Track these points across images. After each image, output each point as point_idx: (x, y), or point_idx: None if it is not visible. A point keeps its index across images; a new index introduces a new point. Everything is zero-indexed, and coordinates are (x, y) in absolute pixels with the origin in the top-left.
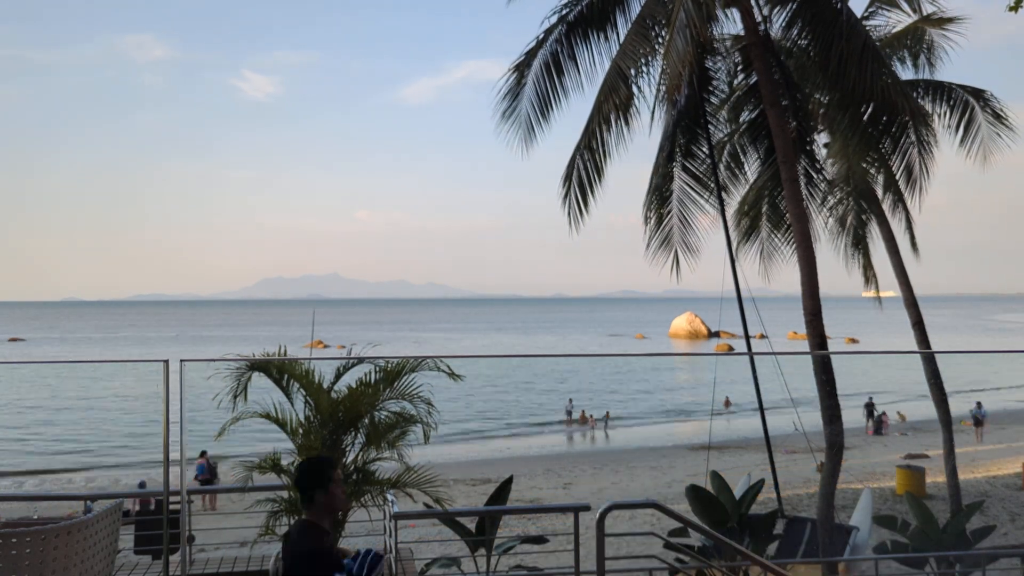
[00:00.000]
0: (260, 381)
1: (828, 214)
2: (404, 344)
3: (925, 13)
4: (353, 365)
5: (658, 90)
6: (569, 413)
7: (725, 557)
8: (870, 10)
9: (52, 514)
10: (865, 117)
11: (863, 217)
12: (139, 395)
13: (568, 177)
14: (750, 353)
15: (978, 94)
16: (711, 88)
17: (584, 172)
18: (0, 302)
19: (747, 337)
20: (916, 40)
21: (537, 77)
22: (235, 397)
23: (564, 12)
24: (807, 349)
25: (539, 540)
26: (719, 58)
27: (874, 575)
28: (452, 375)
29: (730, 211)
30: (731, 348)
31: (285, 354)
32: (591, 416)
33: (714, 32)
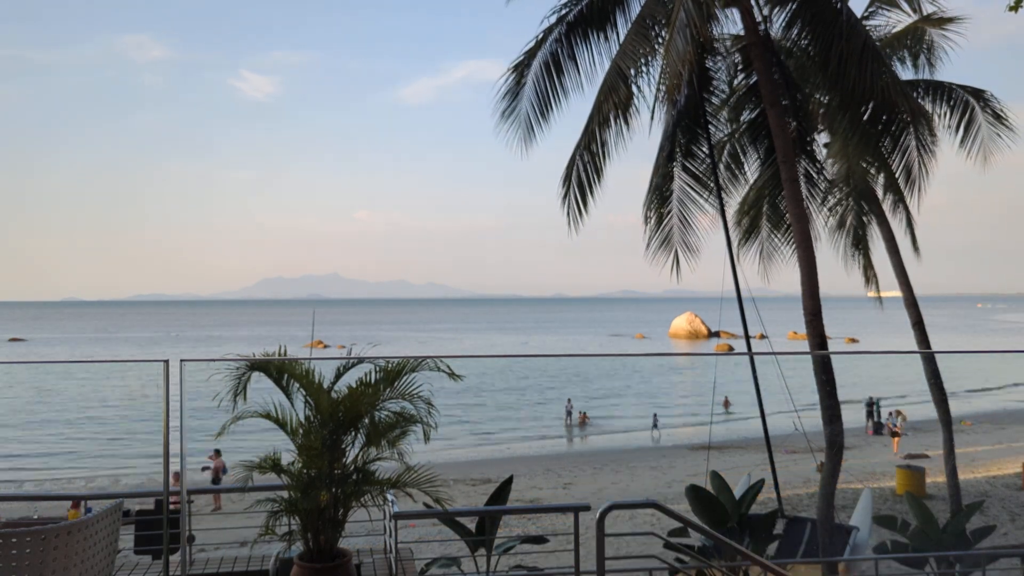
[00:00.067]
0: (260, 381)
1: (828, 214)
2: (404, 344)
3: (925, 13)
4: (353, 365)
5: (658, 90)
6: (569, 413)
7: (725, 557)
8: (870, 10)
9: (52, 514)
10: (865, 117)
11: (863, 217)
12: (139, 395)
13: (568, 177)
14: (750, 353)
15: (978, 94)
16: (711, 88)
17: (584, 172)
18: (0, 302)
19: (747, 337)
20: (916, 40)
21: (537, 77)
22: (235, 397)
23: (563, 12)
24: (807, 349)
25: (539, 540)
26: (719, 58)
27: (874, 575)
28: (452, 375)
29: (730, 211)
30: (731, 348)
31: (285, 354)
32: (583, 413)
33: (714, 32)
